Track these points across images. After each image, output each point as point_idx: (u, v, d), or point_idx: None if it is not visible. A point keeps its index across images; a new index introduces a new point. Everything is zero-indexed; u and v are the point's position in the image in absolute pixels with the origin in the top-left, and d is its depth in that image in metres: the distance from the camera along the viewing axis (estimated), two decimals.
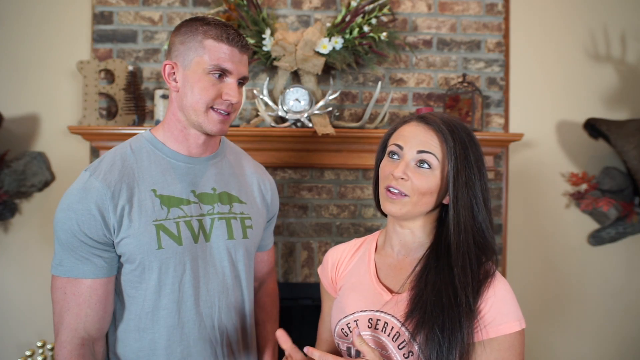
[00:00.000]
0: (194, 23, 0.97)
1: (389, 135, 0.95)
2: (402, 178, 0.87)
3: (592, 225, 2.09)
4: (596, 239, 2.06)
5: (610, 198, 1.97)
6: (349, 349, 0.92)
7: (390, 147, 0.92)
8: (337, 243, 1.93)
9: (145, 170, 0.98)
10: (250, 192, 1.12)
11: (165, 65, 0.99)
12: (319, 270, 1.09)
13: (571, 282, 2.09)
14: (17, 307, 1.91)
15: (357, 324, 0.90)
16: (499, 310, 0.83)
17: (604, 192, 2.04)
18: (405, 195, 0.87)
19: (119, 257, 0.96)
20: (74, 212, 0.91)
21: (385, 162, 0.92)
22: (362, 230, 1.94)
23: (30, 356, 1.72)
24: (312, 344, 2.34)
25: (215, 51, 0.94)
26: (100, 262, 0.92)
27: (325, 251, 1.92)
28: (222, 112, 0.97)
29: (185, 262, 0.97)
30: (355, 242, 1.06)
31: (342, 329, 0.92)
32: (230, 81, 0.97)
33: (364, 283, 0.95)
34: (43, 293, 1.90)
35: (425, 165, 0.87)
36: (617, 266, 2.09)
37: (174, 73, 0.99)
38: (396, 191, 0.88)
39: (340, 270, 1.02)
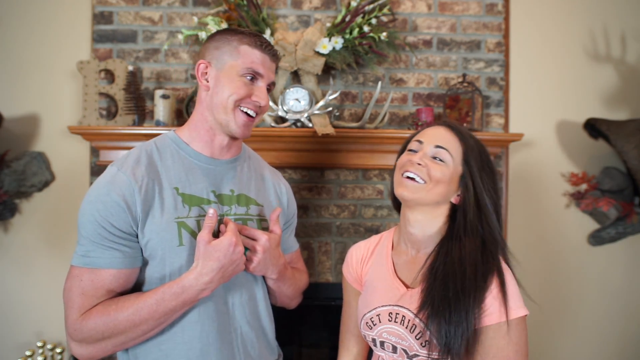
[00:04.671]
0: (228, 32, 1.05)
1: (411, 137, 1.04)
2: (419, 164, 0.95)
3: (592, 225, 2.09)
4: (596, 239, 2.06)
5: (610, 198, 1.97)
6: (374, 340, 1.01)
7: (411, 145, 1.01)
8: (337, 243, 1.94)
9: (170, 168, 1.01)
10: (267, 195, 1.15)
11: (200, 64, 1.04)
12: (343, 267, 1.16)
13: (571, 282, 2.09)
14: (17, 307, 1.91)
15: (379, 318, 0.99)
16: (495, 298, 0.89)
17: (604, 192, 2.04)
18: (422, 180, 0.95)
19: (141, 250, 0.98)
20: (102, 204, 0.93)
21: (404, 156, 1.00)
22: (362, 230, 1.94)
23: (30, 356, 1.72)
24: (312, 343, 2.34)
25: (249, 56, 1.01)
26: (127, 252, 0.94)
27: (326, 251, 1.92)
28: (248, 112, 1.02)
29: None
30: (374, 239, 1.14)
31: (367, 322, 1.01)
32: (261, 84, 1.03)
33: (383, 279, 1.03)
34: (43, 293, 1.90)
35: (439, 159, 0.96)
36: (617, 266, 2.09)
37: (206, 73, 1.04)
38: (412, 176, 0.95)
39: (364, 266, 1.11)
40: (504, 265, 0.94)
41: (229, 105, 1.00)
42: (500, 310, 0.88)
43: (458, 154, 0.96)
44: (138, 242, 0.96)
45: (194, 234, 0.97)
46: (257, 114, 1.04)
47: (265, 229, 1.09)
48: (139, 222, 0.94)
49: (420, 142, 0.99)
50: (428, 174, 0.95)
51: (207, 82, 1.04)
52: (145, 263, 0.98)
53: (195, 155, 1.05)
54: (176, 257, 0.96)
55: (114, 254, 0.93)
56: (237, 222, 1.05)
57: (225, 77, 1.01)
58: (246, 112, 1.02)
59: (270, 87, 1.07)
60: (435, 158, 0.96)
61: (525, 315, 0.90)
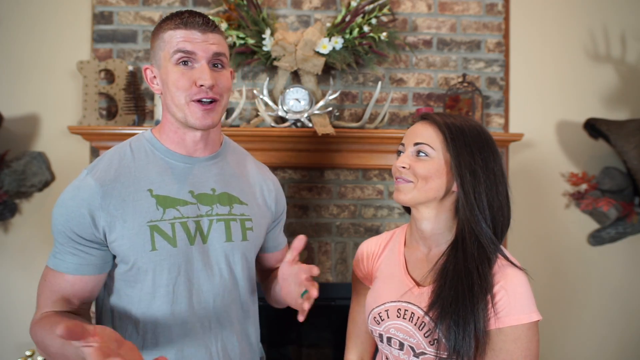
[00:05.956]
0: (158, 23, 0.97)
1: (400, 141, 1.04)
2: (403, 167, 0.96)
3: (592, 225, 2.09)
4: (596, 239, 2.06)
5: (610, 198, 1.97)
6: (380, 335, 1.00)
7: (399, 148, 1.02)
8: (337, 243, 1.94)
9: (143, 169, 0.97)
10: (252, 193, 1.10)
11: (145, 70, 0.99)
12: (354, 263, 1.15)
13: (571, 282, 2.09)
14: (17, 307, 1.91)
15: (387, 314, 0.98)
16: (508, 302, 0.88)
17: (604, 192, 2.04)
18: (409, 181, 0.95)
19: (114, 256, 0.95)
20: (65, 209, 0.91)
21: (394, 162, 1.00)
22: (362, 230, 1.94)
23: (30, 356, 1.72)
24: (312, 343, 2.34)
25: (173, 38, 0.92)
26: (87, 259, 0.92)
27: (326, 251, 1.92)
28: (203, 101, 0.93)
29: (179, 264, 0.95)
30: (385, 235, 1.13)
31: (375, 317, 1.01)
32: (200, 64, 0.92)
33: (394, 275, 1.02)
34: None
35: (422, 154, 0.96)
36: (617, 266, 2.09)
37: (154, 77, 0.99)
38: (401, 180, 0.97)
39: (375, 262, 1.10)
40: (512, 271, 0.91)
41: (179, 102, 0.92)
42: (505, 315, 0.87)
43: (439, 142, 0.94)
44: (103, 250, 0.93)
45: (167, 238, 0.94)
46: (214, 100, 0.94)
47: (250, 229, 1.05)
48: (103, 229, 0.91)
49: (402, 144, 1.00)
50: (413, 173, 0.95)
51: (157, 85, 0.98)
52: (115, 266, 0.96)
53: (170, 154, 0.99)
54: (149, 263, 0.92)
55: (72, 259, 0.91)
56: (219, 222, 1.01)
57: (164, 73, 0.94)
58: (200, 101, 0.93)
59: (219, 62, 0.95)
60: (419, 153, 0.96)
61: (537, 321, 0.88)
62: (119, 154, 0.99)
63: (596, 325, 2.09)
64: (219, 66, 0.96)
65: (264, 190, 1.13)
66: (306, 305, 0.88)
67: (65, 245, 0.91)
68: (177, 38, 0.92)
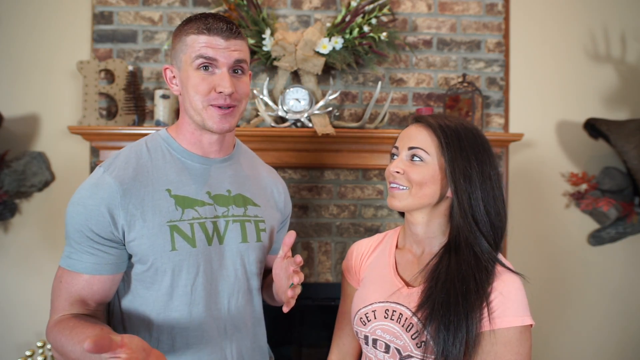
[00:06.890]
0: (181, 24, 0.97)
1: (393, 143, 1.02)
2: (397, 172, 0.94)
3: (592, 225, 2.09)
4: (596, 239, 2.06)
5: (610, 198, 1.97)
6: (366, 337, 0.98)
7: (392, 151, 1.00)
8: (337, 243, 1.94)
9: (161, 169, 0.97)
10: (264, 195, 1.11)
11: (165, 69, 1.00)
12: (343, 263, 1.14)
13: (571, 282, 2.09)
14: (17, 307, 1.91)
15: (375, 314, 0.96)
16: (502, 303, 0.87)
17: (604, 192, 2.04)
18: (403, 187, 0.94)
19: (130, 256, 0.94)
20: (83, 207, 0.90)
21: (388, 165, 0.99)
22: (362, 230, 1.94)
23: (30, 356, 1.72)
24: (312, 343, 2.34)
25: (195, 44, 0.92)
26: (105, 258, 0.91)
27: (326, 251, 1.92)
28: (221, 106, 0.94)
29: (198, 264, 0.96)
30: (377, 237, 1.12)
31: (361, 318, 0.98)
32: (220, 71, 0.93)
33: (383, 276, 1.01)
34: (43, 293, 1.90)
35: (417, 159, 0.94)
36: (617, 266, 2.09)
37: (174, 77, 0.99)
38: (395, 185, 0.95)
39: (364, 262, 1.08)
40: (508, 275, 0.90)
41: (198, 106, 0.93)
42: (496, 317, 0.86)
43: (434, 147, 0.92)
44: (121, 249, 0.92)
45: (187, 238, 0.94)
46: (232, 106, 0.95)
47: (263, 230, 1.06)
48: (122, 228, 0.90)
49: (396, 147, 0.98)
50: (408, 179, 0.93)
51: (177, 86, 0.98)
52: (131, 266, 0.95)
53: (187, 155, 1.00)
54: (168, 263, 0.92)
55: (89, 259, 0.90)
56: (235, 223, 1.01)
57: (184, 76, 0.94)
58: (219, 106, 0.94)
59: (240, 69, 0.96)
60: (413, 157, 0.94)
61: (530, 325, 0.87)
62: (135, 152, 0.98)
63: (596, 326, 2.09)
64: (239, 72, 0.96)
65: (274, 193, 1.15)
66: (290, 293, 0.88)
67: (82, 244, 0.90)
68: (199, 43, 0.92)
